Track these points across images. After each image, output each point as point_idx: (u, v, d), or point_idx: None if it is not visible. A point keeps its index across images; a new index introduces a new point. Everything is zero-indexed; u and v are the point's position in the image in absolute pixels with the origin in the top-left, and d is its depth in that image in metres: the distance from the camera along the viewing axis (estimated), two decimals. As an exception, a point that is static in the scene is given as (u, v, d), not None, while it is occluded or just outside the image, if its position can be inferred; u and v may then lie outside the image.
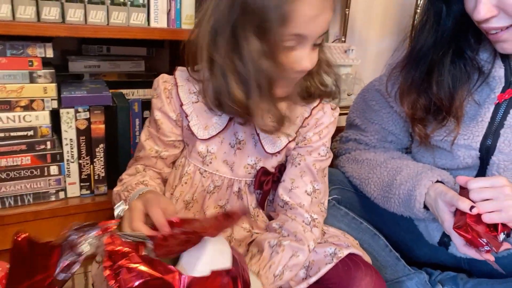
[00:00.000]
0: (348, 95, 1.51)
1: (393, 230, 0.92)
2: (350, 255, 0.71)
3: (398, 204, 0.82)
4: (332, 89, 0.79)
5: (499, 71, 0.77)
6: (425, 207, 0.78)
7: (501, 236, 0.68)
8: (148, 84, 1.20)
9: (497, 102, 0.77)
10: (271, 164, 0.80)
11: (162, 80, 0.79)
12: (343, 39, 1.63)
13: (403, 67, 0.84)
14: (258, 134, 0.76)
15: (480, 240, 0.67)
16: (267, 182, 0.79)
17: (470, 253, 0.71)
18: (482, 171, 0.79)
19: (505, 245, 0.69)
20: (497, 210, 0.66)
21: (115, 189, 0.81)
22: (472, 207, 0.67)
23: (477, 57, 0.79)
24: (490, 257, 0.69)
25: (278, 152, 0.78)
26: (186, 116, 0.76)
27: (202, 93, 0.74)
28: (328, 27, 0.68)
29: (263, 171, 0.78)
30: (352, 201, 0.90)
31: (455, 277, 0.86)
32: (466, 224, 0.68)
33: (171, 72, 0.81)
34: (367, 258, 0.74)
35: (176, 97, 0.77)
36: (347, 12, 1.61)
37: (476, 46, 0.80)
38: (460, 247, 0.72)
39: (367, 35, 1.70)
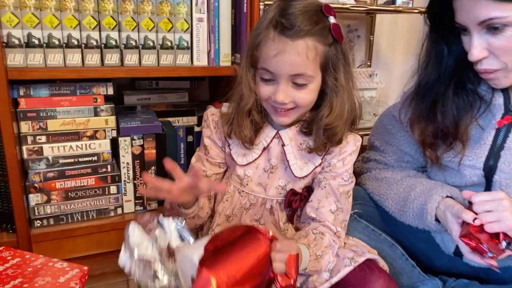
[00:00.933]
0: (374, 115, 1.61)
1: (412, 242, 1.01)
2: (367, 261, 0.82)
3: (413, 217, 0.91)
4: (354, 119, 0.89)
5: (498, 99, 0.86)
6: (437, 220, 0.88)
7: (503, 244, 0.77)
8: (191, 113, 1.37)
9: (497, 127, 0.86)
10: (298, 186, 0.92)
11: (211, 113, 0.94)
12: (368, 63, 1.74)
13: (411, 99, 0.95)
14: (288, 161, 0.89)
15: (482, 247, 0.76)
16: (295, 201, 0.91)
17: (476, 259, 0.79)
18: (488, 188, 0.88)
19: (507, 252, 0.77)
20: (497, 220, 0.75)
21: None
22: (475, 219, 0.77)
23: (477, 89, 0.89)
24: (493, 263, 0.78)
25: (305, 176, 0.90)
26: (229, 145, 0.91)
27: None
28: (303, 71, 0.78)
29: (292, 192, 0.91)
30: (372, 215, 1.00)
31: (467, 284, 0.94)
32: (469, 233, 0.78)
33: (210, 101, 0.97)
34: (382, 263, 0.84)
35: (221, 128, 0.91)
36: (371, 38, 1.73)
37: (476, 79, 0.89)
38: (466, 254, 0.81)
39: (391, 59, 1.81)
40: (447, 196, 0.87)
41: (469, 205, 0.84)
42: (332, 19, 0.79)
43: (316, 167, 0.89)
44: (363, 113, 1.57)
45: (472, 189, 0.89)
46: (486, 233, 0.78)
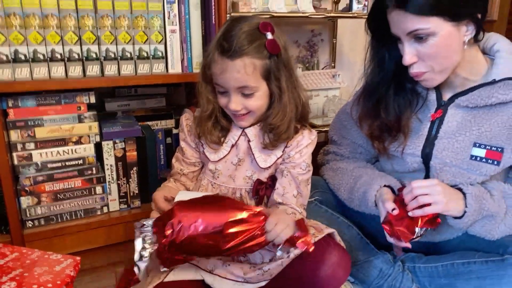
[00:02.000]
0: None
1: (369, 224, 1.15)
2: (325, 238, 0.95)
3: (359, 204, 1.06)
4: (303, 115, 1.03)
5: (432, 95, 1.01)
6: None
7: (418, 230, 0.91)
8: (169, 116, 1.48)
9: (431, 120, 1.00)
10: (263, 176, 1.04)
11: (185, 118, 1.07)
12: (332, 65, 1.88)
13: (359, 99, 1.08)
14: (253, 154, 1.01)
15: (397, 233, 0.92)
16: (261, 189, 1.03)
17: (393, 241, 0.94)
18: (427, 173, 1.02)
19: (407, 245, 0.93)
20: (432, 202, 0.89)
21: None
22: (393, 209, 0.92)
23: (415, 87, 1.02)
24: (406, 245, 0.93)
25: (269, 167, 1.02)
26: (202, 145, 1.03)
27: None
28: (246, 83, 0.91)
29: (258, 182, 1.03)
30: (331, 201, 1.14)
31: (414, 257, 1.08)
32: (388, 221, 0.93)
33: (187, 105, 1.08)
34: (339, 238, 0.97)
35: (194, 131, 1.03)
36: (334, 42, 1.87)
37: (412, 79, 1.03)
38: (387, 237, 0.95)
39: (353, 60, 1.95)
40: (385, 185, 1.01)
41: (398, 195, 0.98)
42: (269, 35, 0.91)
43: (278, 158, 1.01)
44: (328, 111, 1.71)
45: (414, 175, 1.04)
46: (408, 219, 0.91)
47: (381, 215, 0.96)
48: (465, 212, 0.90)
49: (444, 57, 0.90)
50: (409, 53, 0.90)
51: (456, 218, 0.92)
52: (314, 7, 1.57)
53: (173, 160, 1.10)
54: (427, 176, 1.02)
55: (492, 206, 0.90)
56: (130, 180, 1.31)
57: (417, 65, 0.92)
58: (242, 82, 0.91)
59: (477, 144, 0.93)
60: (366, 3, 1.60)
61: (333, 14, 1.64)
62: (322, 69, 1.85)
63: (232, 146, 1.02)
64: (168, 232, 0.77)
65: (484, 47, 0.99)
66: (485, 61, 0.96)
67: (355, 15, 1.60)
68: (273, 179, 1.04)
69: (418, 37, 0.88)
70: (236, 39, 0.88)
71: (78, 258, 0.93)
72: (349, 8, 1.63)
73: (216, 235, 0.78)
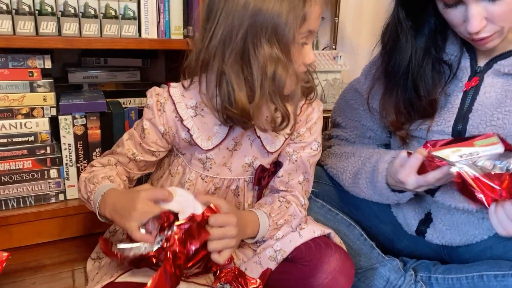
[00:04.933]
0: (339, 99, 1.56)
1: (373, 223, 0.96)
2: (323, 238, 0.77)
3: (366, 186, 0.86)
4: (312, 83, 0.85)
5: (465, 62, 0.82)
6: (392, 191, 0.83)
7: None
8: (144, 93, 1.27)
9: (464, 89, 0.81)
10: (267, 161, 0.85)
11: (155, 93, 0.81)
12: (333, 47, 1.69)
13: (385, 90, 0.88)
14: (259, 137, 0.81)
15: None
16: (264, 178, 0.85)
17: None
18: None
19: None
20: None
21: (83, 175, 0.84)
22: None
23: (443, 55, 0.84)
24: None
25: (277, 150, 0.83)
26: (188, 130, 0.80)
27: (207, 103, 0.76)
28: None
29: (261, 169, 0.84)
30: (330, 194, 0.95)
31: (429, 265, 0.89)
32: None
33: (167, 80, 0.87)
34: (338, 240, 0.79)
35: (170, 112, 0.80)
36: (336, 21, 1.68)
37: (442, 44, 0.85)
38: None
39: (357, 42, 1.76)
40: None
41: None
42: None
43: (286, 138, 0.83)
44: (327, 95, 1.52)
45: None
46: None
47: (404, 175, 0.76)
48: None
49: None
50: (478, 16, 0.71)
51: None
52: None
53: (125, 137, 0.86)
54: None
55: None
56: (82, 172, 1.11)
57: (486, 29, 0.73)
58: None
59: None
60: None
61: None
62: (322, 50, 1.66)
63: (230, 127, 0.80)
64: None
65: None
66: None
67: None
68: (276, 164, 0.85)
69: None
70: None
71: (4, 254, 0.73)
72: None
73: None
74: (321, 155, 1.02)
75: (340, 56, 1.55)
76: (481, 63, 0.81)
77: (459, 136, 0.81)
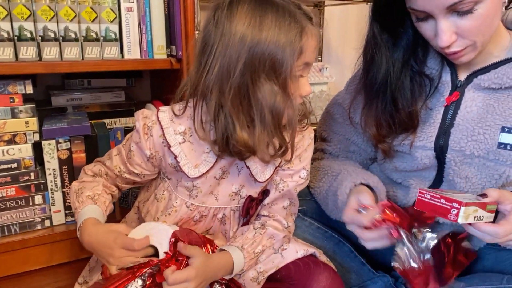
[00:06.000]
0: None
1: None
2: (311, 257, 0.75)
3: (332, 208, 0.86)
4: (306, 112, 0.84)
5: (446, 76, 0.82)
6: None
7: None
8: (130, 113, 1.26)
9: (445, 104, 0.81)
10: (254, 190, 0.83)
11: (142, 116, 0.80)
12: (319, 58, 1.69)
13: (365, 103, 0.87)
14: (248, 166, 0.80)
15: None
16: (252, 208, 0.84)
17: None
18: (440, 170, 0.83)
19: None
20: None
21: (74, 184, 0.86)
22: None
23: (425, 68, 0.84)
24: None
25: (266, 180, 0.82)
26: (175, 157, 0.78)
27: (201, 135, 0.75)
28: None
29: (250, 199, 0.83)
30: (318, 211, 0.93)
31: (421, 279, 0.88)
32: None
33: (153, 99, 0.85)
34: (325, 258, 0.79)
35: (157, 137, 0.78)
36: (321, 32, 1.68)
37: (423, 57, 0.85)
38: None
39: (343, 53, 1.77)
40: (361, 183, 0.82)
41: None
42: None
43: (276, 167, 0.82)
44: (315, 108, 1.52)
45: (424, 173, 0.85)
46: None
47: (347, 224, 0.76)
48: None
49: (489, 26, 0.72)
50: (448, 30, 0.70)
51: None
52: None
53: (113, 152, 0.85)
54: (439, 175, 0.83)
55: None
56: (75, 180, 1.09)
57: (456, 44, 0.73)
58: None
59: (506, 129, 0.74)
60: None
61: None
62: (308, 62, 1.66)
63: (219, 156, 0.78)
64: None
65: (503, 19, 0.81)
66: (508, 34, 0.78)
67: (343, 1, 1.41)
68: (264, 192, 0.84)
69: (459, 10, 0.68)
70: None
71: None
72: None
73: None
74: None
75: (326, 68, 1.55)
76: (462, 77, 0.81)
77: (441, 151, 0.81)
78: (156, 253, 0.74)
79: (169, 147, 0.78)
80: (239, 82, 0.67)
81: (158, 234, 0.75)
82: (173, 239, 0.72)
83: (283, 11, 0.68)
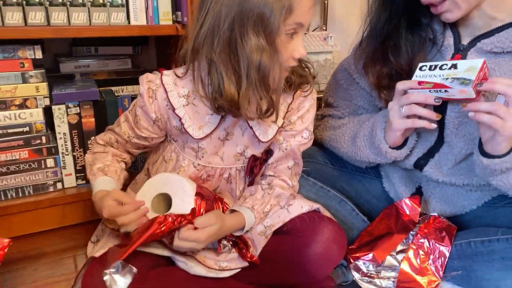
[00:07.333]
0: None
1: (365, 199, 0.98)
2: (316, 213, 0.79)
3: (364, 145, 0.88)
4: (309, 76, 0.86)
5: (449, 40, 0.83)
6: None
7: None
8: (136, 81, 1.26)
9: None
10: (258, 150, 0.86)
11: (147, 80, 0.82)
12: (324, 27, 1.69)
13: (361, 45, 0.90)
14: (251, 127, 0.82)
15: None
16: (256, 167, 0.86)
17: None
18: (441, 130, 0.85)
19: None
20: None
21: (88, 157, 0.89)
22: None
23: (431, 26, 0.85)
24: None
25: (269, 140, 0.84)
26: (180, 119, 0.80)
27: (199, 92, 0.77)
28: None
29: (253, 158, 0.85)
30: (321, 172, 0.96)
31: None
32: None
33: (159, 67, 0.87)
34: (327, 213, 0.82)
35: (162, 100, 0.80)
36: (326, 2, 1.67)
37: (429, 14, 0.85)
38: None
39: (347, 22, 1.76)
40: None
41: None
42: None
43: (279, 128, 0.84)
44: (319, 76, 1.53)
45: (425, 133, 0.87)
46: None
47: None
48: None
49: None
50: None
51: (495, 157, 0.72)
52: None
53: (121, 119, 0.88)
54: (440, 135, 0.85)
55: None
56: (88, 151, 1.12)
57: None
58: None
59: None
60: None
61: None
62: (313, 31, 1.66)
63: (222, 117, 0.80)
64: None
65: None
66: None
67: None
68: (267, 152, 0.87)
69: None
70: None
71: (6, 240, 0.74)
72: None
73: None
74: (317, 132, 1.04)
75: (331, 37, 1.55)
76: (465, 41, 0.82)
77: (440, 111, 0.82)
78: (169, 204, 0.77)
79: (174, 109, 0.80)
80: (227, 36, 0.69)
81: (171, 184, 0.78)
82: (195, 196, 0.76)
83: None
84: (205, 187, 0.84)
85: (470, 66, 0.71)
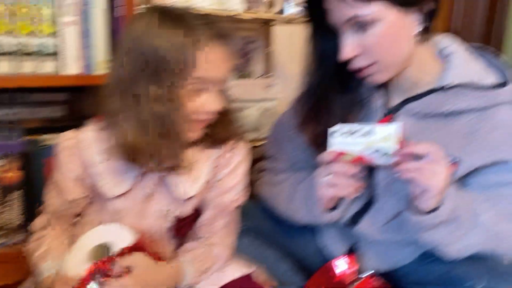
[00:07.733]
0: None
1: (305, 254, 0.96)
2: (249, 277, 0.78)
3: (300, 207, 0.87)
4: (240, 130, 0.85)
5: (378, 101, 0.85)
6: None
7: None
8: (69, 128, 1.22)
9: None
10: (186, 210, 0.81)
11: (64, 138, 0.80)
12: (268, 74, 1.72)
13: (297, 103, 0.91)
14: (172, 183, 0.78)
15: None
16: (183, 227, 0.81)
17: None
18: (372, 184, 0.86)
19: None
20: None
21: (29, 248, 0.82)
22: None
23: (361, 88, 0.87)
24: None
25: (192, 197, 0.79)
26: (96, 177, 0.76)
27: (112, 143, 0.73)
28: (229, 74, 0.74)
29: (179, 219, 0.80)
30: (262, 228, 0.94)
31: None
32: None
33: (97, 113, 0.82)
34: (263, 277, 0.80)
35: (78, 158, 0.78)
36: (270, 50, 1.71)
37: (356, 82, 0.87)
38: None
39: (292, 70, 1.80)
40: None
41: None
42: None
43: (206, 181, 0.80)
44: (263, 124, 1.54)
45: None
46: None
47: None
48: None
49: (390, 47, 0.75)
50: (349, 44, 0.74)
51: (424, 213, 0.73)
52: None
53: (48, 191, 0.83)
54: (372, 193, 0.86)
55: (464, 210, 0.74)
56: (10, 207, 1.03)
57: (359, 59, 0.76)
58: (229, 72, 0.74)
59: None
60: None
61: (265, 16, 1.48)
62: (257, 78, 1.68)
63: (137, 176, 0.76)
64: None
65: (436, 49, 0.86)
66: (437, 64, 0.83)
67: (289, 18, 1.45)
68: (197, 211, 0.83)
69: (359, 25, 0.73)
70: None
71: None
72: (282, 11, 1.48)
73: None
74: (255, 187, 1.02)
75: (275, 85, 1.58)
76: (394, 102, 0.85)
77: (370, 172, 0.84)
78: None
79: (90, 167, 0.77)
80: (132, 85, 0.68)
81: (110, 234, 0.74)
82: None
83: (181, 23, 0.68)
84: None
85: (388, 134, 0.71)
